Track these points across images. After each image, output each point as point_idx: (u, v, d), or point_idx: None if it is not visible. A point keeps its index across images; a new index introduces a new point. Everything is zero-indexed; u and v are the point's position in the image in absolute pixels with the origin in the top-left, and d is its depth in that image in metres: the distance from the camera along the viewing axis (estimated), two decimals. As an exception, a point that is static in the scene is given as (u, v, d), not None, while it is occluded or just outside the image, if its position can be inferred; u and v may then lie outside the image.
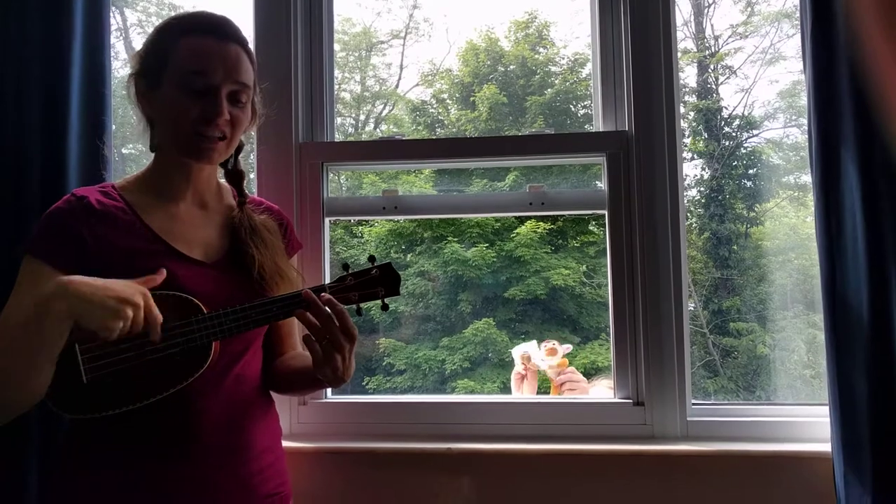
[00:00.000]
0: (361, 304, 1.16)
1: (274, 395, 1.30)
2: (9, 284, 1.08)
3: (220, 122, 1.11)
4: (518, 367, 1.92)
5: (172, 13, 1.21)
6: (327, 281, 1.62)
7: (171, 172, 1.19)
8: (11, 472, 1.34)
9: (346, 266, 1.16)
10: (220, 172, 1.31)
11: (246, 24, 1.63)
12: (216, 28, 1.13)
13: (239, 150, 1.27)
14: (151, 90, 1.14)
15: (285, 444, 1.31)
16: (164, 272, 1.07)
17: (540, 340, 1.93)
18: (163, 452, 1.09)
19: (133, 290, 0.98)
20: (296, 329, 1.35)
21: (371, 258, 1.17)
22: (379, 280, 1.15)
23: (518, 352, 1.92)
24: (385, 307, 1.16)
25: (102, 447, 1.10)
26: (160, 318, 1.00)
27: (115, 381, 1.02)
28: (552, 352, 1.87)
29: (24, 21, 1.41)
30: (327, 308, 1.08)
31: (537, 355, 1.88)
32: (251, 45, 1.20)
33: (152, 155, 1.21)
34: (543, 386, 1.95)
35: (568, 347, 1.88)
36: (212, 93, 1.11)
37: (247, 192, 1.28)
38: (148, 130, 1.20)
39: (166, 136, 1.16)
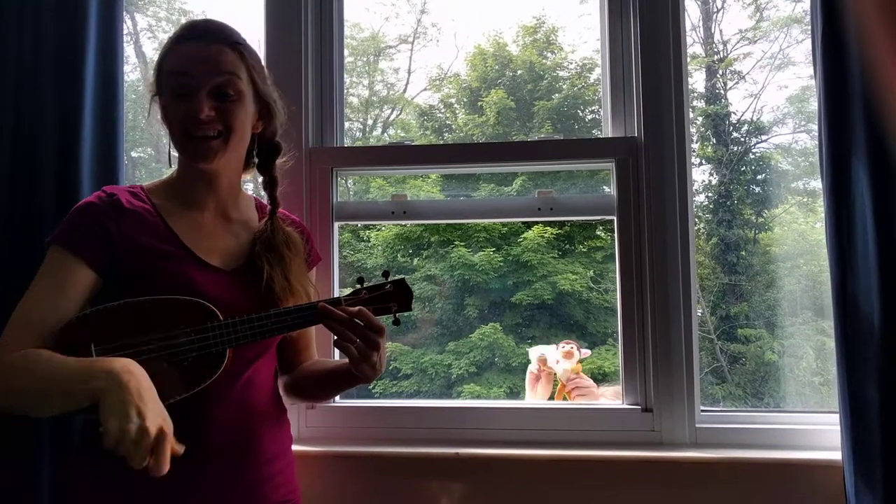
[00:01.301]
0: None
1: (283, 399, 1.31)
2: (24, 286, 1.09)
3: (204, 119, 1.12)
4: (533, 367, 1.92)
5: (183, 18, 1.23)
6: (337, 286, 1.64)
7: (193, 180, 1.21)
8: (23, 467, 1.35)
9: (360, 280, 1.18)
10: (245, 179, 1.33)
11: (256, 31, 1.64)
12: (199, 33, 1.16)
13: (276, 154, 1.29)
14: (159, 104, 1.19)
15: (293, 448, 1.31)
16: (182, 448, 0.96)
17: (553, 344, 1.93)
18: (172, 457, 1.10)
19: (156, 422, 0.91)
20: (314, 340, 1.36)
21: (385, 273, 1.19)
22: (392, 295, 1.18)
23: (535, 353, 1.92)
24: (397, 322, 1.18)
25: None
26: (166, 466, 0.91)
27: None
28: (569, 354, 1.86)
29: (39, 26, 1.42)
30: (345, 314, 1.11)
31: (553, 358, 1.88)
32: (262, 51, 1.21)
33: (163, 157, 1.24)
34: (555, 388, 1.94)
35: (587, 352, 1.88)
36: (193, 93, 1.13)
37: (279, 201, 1.28)
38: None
39: (173, 144, 1.19)
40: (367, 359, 1.11)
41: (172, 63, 1.15)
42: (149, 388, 0.95)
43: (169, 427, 0.93)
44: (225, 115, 1.15)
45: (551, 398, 1.91)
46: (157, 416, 0.92)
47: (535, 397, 1.91)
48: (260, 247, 1.20)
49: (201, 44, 1.14)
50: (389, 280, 1.18)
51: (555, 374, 1.89)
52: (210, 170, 1.19)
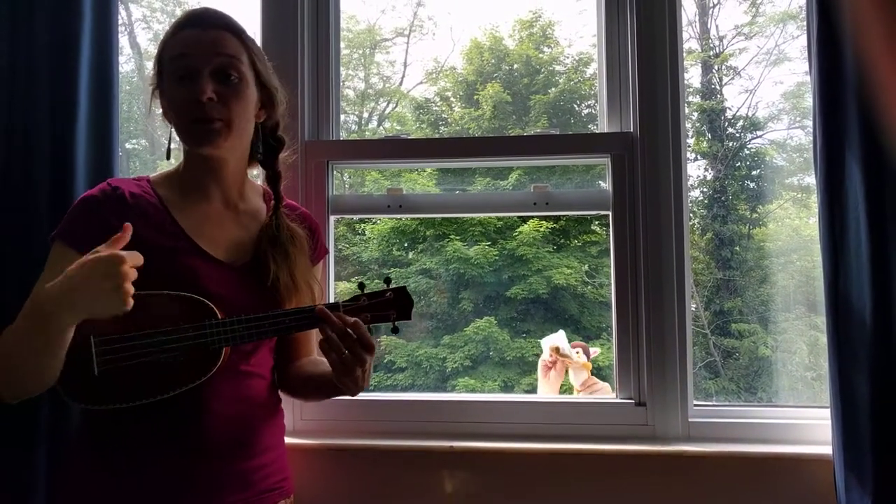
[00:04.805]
0: (372, 325, 1.16)
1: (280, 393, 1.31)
2: (25, 279, 1.10)
3: (205, 101, 1.11)
4: (545, 356, 1.91)
5: (178, 9, 1.23)
6: (332, 280, 1.64)
7: (197, 170, 1.20)
8: (20, 460, 1.34)
9: (361, 286, 1.16)
10: (253, 172, 1.32)
11: (253, 23, 1.63)
12: (198, 19, 1.15)
13: (279, 148, 1.28)
14: (162, 96, 1.18)
15: (288, 440, 1.32)
16: (129, 227, 1.02)
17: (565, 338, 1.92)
18: (167, 447, 1.10)
19: (107, 257, 0.95)
20: (312, 335, 1.35)
21: (387, 280, 1.18)
22: (392, 303, 1.16)
23: (548, 342, 1.91)
24: (395, 330, 1.16)
25: (110, 438, 1.11)
26: (140, 260, 0.98)
27: (126, 376, 1.03)
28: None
29: (33, 17, 1.41)
30: (342, 322, 1.09)
31: (568, 347, 1.87)
32: (258, 42, 1.20)
33: (157, 148, 1.23)
34: (566, 385, 1.94)
35: (595, 351, 1.87)
36: (195, 75, 1.12)
37: (283, 195, 1.27)
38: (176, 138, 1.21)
39: (177, 132, 1.18)
40: (349, 372, 1.08)
41: (172, 49, 1.14)
42: (75, 267, 0.95)
43: (114, 249, 0.96)
44: (227, 98, 1.14)
45: (563, 389, 1.91)
46: (99, 258, 0.94)
47: (547, 385, 1.89)
48: (265, 243, 1.19)
49: (198, 29, 1.14)
50: (390, 287, 1.16)
51: (567, 366, 1.88)
52: (215, 157, 1.18)
